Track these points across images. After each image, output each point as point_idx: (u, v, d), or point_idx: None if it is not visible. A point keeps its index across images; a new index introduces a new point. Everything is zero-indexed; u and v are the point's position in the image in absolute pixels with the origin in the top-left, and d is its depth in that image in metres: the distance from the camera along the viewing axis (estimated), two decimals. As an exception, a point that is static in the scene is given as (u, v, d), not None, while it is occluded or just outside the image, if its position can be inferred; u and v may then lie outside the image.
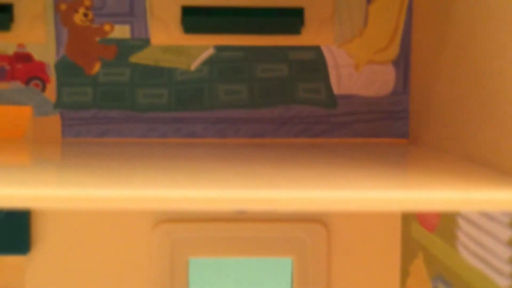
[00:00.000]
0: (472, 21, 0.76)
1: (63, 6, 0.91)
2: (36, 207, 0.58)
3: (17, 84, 0.92)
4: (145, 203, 0.57)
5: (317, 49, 0.94)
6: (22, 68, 0.92)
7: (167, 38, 0.93)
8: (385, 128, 0.95)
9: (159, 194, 0.57)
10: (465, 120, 0.78)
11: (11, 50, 0.91)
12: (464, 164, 0.76)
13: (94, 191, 0.57)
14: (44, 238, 0.94)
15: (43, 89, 0.92)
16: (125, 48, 0.92)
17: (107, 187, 0.58)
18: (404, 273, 0.96)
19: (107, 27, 0.92)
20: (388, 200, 0.59)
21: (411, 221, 0.93)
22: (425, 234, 0.88)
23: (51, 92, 0.92)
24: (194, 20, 0.91)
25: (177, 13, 0.92)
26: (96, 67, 0.92)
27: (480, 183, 0.63)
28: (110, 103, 0.93)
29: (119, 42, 0.92)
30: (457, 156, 0.80)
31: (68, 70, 0.92)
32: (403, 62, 0.95)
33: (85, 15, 0.91)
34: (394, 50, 0.94)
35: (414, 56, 0.94)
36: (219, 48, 0.93)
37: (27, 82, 0.92)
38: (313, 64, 0.94)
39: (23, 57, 0.91)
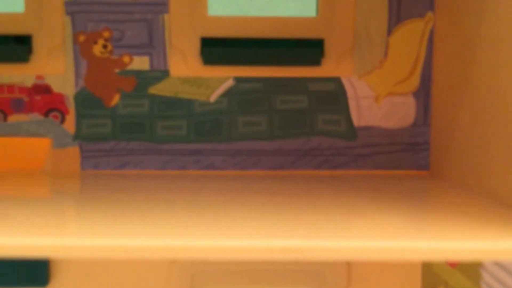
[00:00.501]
0: (497, 55, 0.75)
1: (82, 38, 0.91)
2: (55, 257, 0.57)
3: (36, 116, 0.92)
4: (165, 253, 0.56)
5: (337, 81, 0.93)
6: (41, 99, 0.92)
7: (186, 69, 0.92)
8: (405, 160, 0.94)
9: (181, 244, 0.56)
10: (488, 157, 0.77)
11: (29, 81, 0.91)
12: (486, 204, 0.74)
13: (112, 241, 0.56)
14: (63, 271, 0.94)
15: (62, 120, 0.92)
16: (144, 79, 0.92)
17: (125, 236, 0.58)
18: (425, 306, 0.95)
19: (126, 59, 0.92)
20: (408, 251, 0.58)
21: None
22: (447, 269, 0.87)
23: (70, 123, 0.92)
24: (213, 51, 0.91)
25: (196, 45, 0.92)
26: (115, 99, 0.92)
27: (503, 230, 0.62)
28: (129, 134, 0.93)
29: (138, 73, 0.92)
30: (480, 194, 0.79)
31: (87, 101, 0.92)
32: (423, 94, 0.93)
33: (104, 46, 0.91)
34: (414, 82, 0.93)
35: (435, 87, 0.93)
36: (239, 80, 0.93)
37: (46, 113, 0.92)
38: (333, 96, 0.93)
39: (42, 89, 0.91)
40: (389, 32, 0.92)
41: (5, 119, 0.92)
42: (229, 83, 0.93)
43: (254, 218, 0.67)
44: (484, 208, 0.73)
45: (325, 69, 0.93)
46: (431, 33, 0.93)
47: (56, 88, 0.91)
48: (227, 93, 0.93)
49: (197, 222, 0.66)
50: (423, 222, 0.67)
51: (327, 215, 0.69)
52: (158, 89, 0.93)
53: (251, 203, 0.79)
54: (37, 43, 0.91)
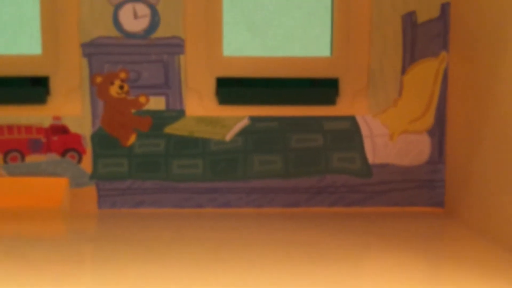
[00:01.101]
0: None
1: (99, 79, 0.92)
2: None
3: (53, 156, 0.93)
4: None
5: (351, 119, 0.94)
6: (58, 140, 0.92)
7: (202, 109, 0.93)
8: (420, 197, 0.95)
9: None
10: (503, 195, 0.77)
11: (47, 122, 0.92)
12: (501, 248, 0.74)
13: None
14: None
15: (79, 160, 0.93)
16: (160, 119, 0.93)
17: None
18: None
19: (142, 99, 0.93)
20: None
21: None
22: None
23: (87, 163, 0.93)
24: (229, 91, 0.92)
25: (211, 85, 0.93)
26: (132, 139, 0.93)
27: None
28: (145, 173, 0.93)
29: (154, 113, 0.93)
30: (495, 236, 0.79)
31: (104, 141, 0.93)
32: (438, 132, 0.94)
33: (121, 87, 0.92)
34: (429, 120, 0.94)
35: (450, 125, 0.94)
36: (254, 119, 0.94)
37: (63, 153, 0.93)
38: (348, 134, 0.94)
39: (59, 129, 0.92)
40: (404, 71, 0.93)
41: (23, 159, 0.93)
42: (245, 122, 0.94)
43: (268, 261, 0.68)
44: (500, 254, 0.73)
45: (340, 108, 0.93)
46: (445, 72, 0.93)
47: (73, 128, 0.92)
48: (243, 132, 0.94)
49: (213, 264, 0.66)
50: (436, 271, 0.67)
51: (340, 260, 0.70)
52: (174, 128, 0.93)
53: (266, 243, 0.80)
54: (54, 85, 0.91)
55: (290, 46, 0.97)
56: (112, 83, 0.92)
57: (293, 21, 0.98)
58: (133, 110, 0.93)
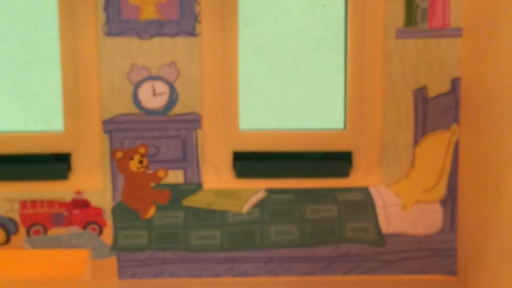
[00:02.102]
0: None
1: (119, 154, 0.94)
2: None
3: (75, 229, 0.95)
4: None
5: (365, 190, 0.96)
6: (80, 213, 0.95)
7: (219, 182, 0.95)
8: (433, 265, 0.97)
9: None
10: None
11: (69, 197, 0.95)
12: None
13: None
14: None
15: (100, 233, 0.96)
16: (178, 192, 0.95)
17: None
18: None
19: (161, 173, 0.95)
20: None
21: None
22: None
23: (107, 235, 0.95)
24: (245, 165, 0.94)
25: (228, 158, 0.95)
26: (151, 211, 0.95)
27: None
28: (164, 244, 0.96)
29: (172, 187, 0.95)
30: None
31: (124, 214, 0.95)
32: (450, 202, 0.96)
33: (140, 161, 0.95)
34: (441, 190, 0.96)
35: (461, 196, 0.96)
36: (270, 191, 0.96)
37: (84, 226, 0.95)
38: (362, 205, 0.96)
39: (80, 204, 0.95)
40: (416, 143, 0.95)
41: (45, 232, 0.95)
42: (261, 194, 0.96)
43: None
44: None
45: (354, 180, 0.96)
46: (456, 144, 0.96)
47: (94, 202, 0.95)
48: (259, 204, 0.96)
49: None
50: None
51: None
52: (192, 201, 0.96)
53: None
54: (76, 161, 0.94)
55: (304, 119, 0.99)
56: (131, 158, 0.95)
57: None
58: (152, 184, 0.95)
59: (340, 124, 0.96)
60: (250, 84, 0.98)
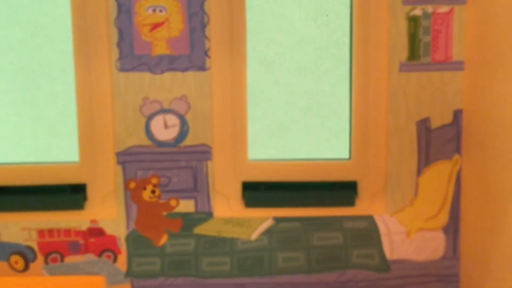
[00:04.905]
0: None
1: (132, 184, 0.98)
2: None
3: (91, 256, 0.99)
4: None
5: (370, 219, 0.99)
6: (95, 241, 0.99)
7: (229, 211, 0.98)
8: (436, 290, 1.00)
9: None
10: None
11: (84, 226, 0.98)
12: None
13: None
14: None
15: (115, 260, 0.99)
16: (190, 220, 0.99)
17: None
18: None
19: (173, 202, 0.99)
20: None
21: None
22: None
23: (122, 262, 0.99)
24: (254, 195, 0.97)
25: (237, 188, 0.98)
26: (163, 239, 0.99)
27: None
28: (176, 271, 0.99)
29: (184, 215, 0.99)
30: None
31: (137, 242, 0.99)
32: (452, 229, 0.99)
33: (153, 191, 0.98)
34: (443, 218, 0.99)
35: (464, 223, 0.98)
36: (278, 219, 0.99)
37: (100, 254, 0.99)
38: (367, 232, 0.99)
39: (96, 232, 0.98)
40: (419, 172, 0.98)
41: (62, 260, 0.99)
42: (269, 222, 0.99)
43: None
44: None
45: (359, 209, 0.99)
46: (459, 173, 0.98)
47: (109, 230, 0.98)
48: (268, 232, 0.99)
49: None
50: None
51: None
52: (203, 229, 0.99)
53: None
54: (91, 191, 0.98)
55: (310, 149, 1.02)
56: (144, 188, 0.98)
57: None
58: (164, 213, 0.99)
59: (345, 154, 0.99)
60: (258, 113, 1.01)
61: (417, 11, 0.95)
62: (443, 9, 0.95)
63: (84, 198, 0.97)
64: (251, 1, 0.98)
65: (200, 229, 0.99)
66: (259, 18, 1.03)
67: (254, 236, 0.99)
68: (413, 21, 0.95)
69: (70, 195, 0.97)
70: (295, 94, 1.03)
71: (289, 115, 1.04)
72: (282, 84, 1.03)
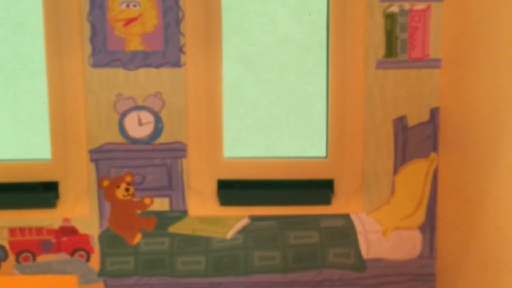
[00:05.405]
0: (499, 191, 0.79)
1: (106, 182, 0.96)
2: None
3: (63, 255, 0.97)
4: None
5: (346, 217, 0.98)
6: (68, 240, 0.97)
7: (204, 209, 0.97)
8: (413, 289, 0.99)
9: None
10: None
11: (57, 224, 0.97)
12: None
13: None
14: None
15: (88, 259, 0.97)
16: (164, 219, 0.97)
17: None
18: None
19: (147, 201, 0.97)
20: None
21: None
22: None
23: (95, 261, 0.97)
24: (229, 193, 0.96)
25: (213, 186, 0.97)
26: (137, 238, 0.97)
27: None
28: (150, 270, 0.98)
29: (158, 214, 0.97)
30: None
31: (111, 241, 0.97)
32: (429, 228, 0.98)
33: (127, 190, 0.96)
34: (420, 217, 0.98)
35: (440, 222, 0.98)
36: (254, 218, 0.98)
37: (72, 253, 0.97)
38: (343, 231, 0.98)
39: (68, 231, 0.97)
40: (396, 171, 0.97)
41: (34, 259, 0.97)
42: (245, 221, 0.98)
43: None
44: None
45: (335, 207, 0.98)
46: (435, 172, 0.98)
47: (82, 229, 0.97)
48: (243, 230, 0.98)
49: None
50: None
51: None
52: (178, 227, 0.98)
53: None
54: (63, 189, 0.96)
55: (287, 147, 1.01)
56: (118, 186, 0.97)
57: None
58: (138, 211, 0.97)
59: (322, 153, 0.99)
60: (234, 112, 1.00)
61: (394, 8, 0.94)
62: (420, 6, 0.94)
63: (57, 196, 0.96)
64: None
65: (174, 228, 0.98)
66: (241, 17, 1.02)
67: (229, 235, 0.98)
68: (390, 18, 0.94)
69: (42, 193, 0.95)
70: (277, 93, 1.02)
71: (271, 113, 1.03)
72: (264, 83, 1.02)
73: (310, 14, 1.02)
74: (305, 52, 1.01)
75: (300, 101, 1.03)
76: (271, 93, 1.03)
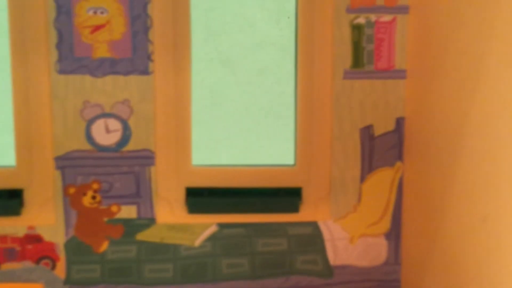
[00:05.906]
0: (465, 199, 0.81)
1: (71, 190, 0.95)
2: None
3: (28, 264, 0.96)
4: None
5: (314, 225, 0.99)
6: (33, 248, 0.96)
7: (172, 217, 0.97)
8: (378, 296, 1.01)
9: None
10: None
11: (21, 232, 0.95)
12: None
13: None
14: None
15: (53, 267, 0.96)
16: (132, 227, 0.97)
17: None
18: None
19: (114, 208, 0.96)
20: None
21: None
22: None
23: (60, 270, 0.96)
24: (198, 201, 0.96)
25: (181, 194, 0.97)
26: (104, 246, 0.97)
27: None
28: (117, 278, 0.97)
29: (126, 221, 0.96)
30: None
31: (77, 249, 0.96)
32: (394, 235, 1.00)
33: (93, 197, 0.96)
34: (386, 224, 1.00)
35: (405, 230, 1.00)
36: (222, 225, 0.98)
37: (37, 261, 0.96)
38: (311, 238, 0.99)
39: (33, 239, 0.95)
40: (362, 179, 0.99)
41: (-2, 267, 0.96)
42: (213, 228, 0.98)
43: None
44: None
45: (303, 215, 0.99)
46: (401, 181, 0.99)
47: (47, 237, 0.95)
48: (211, 238, 0.98)
49: None
50: None
51: None
52: (145, 235, 0.97)
53: None
54: (28, 197, 0.94)
55: (256, 155, 1.02)
56: (84, 194, 0.96)
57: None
58: (105, 219, 0.96)
59: (290, 159, 0.99)
60: (202, 119, 1.00)
61: (361, 20, 0.95)
62: (386, 18, 0.95)
63: (21, 204, 0.94)
64: (200, 3, 0.96)
65: (142, 236, 0.97)
66: (221, 19, 1.02)
67: (197, 242, 0.98)
68: (357, 29, 0.95)
69: (6, 200, 0.93)
70: (254, 94, 1.02)
71: (245, 118, 1.04)
72: (242, 85, 1.02)
73: (288, 17, 1.02)
74: (284, 55, 1.02)
75: (276, 104, 1.03)
76: (249, 95, 1.03)
